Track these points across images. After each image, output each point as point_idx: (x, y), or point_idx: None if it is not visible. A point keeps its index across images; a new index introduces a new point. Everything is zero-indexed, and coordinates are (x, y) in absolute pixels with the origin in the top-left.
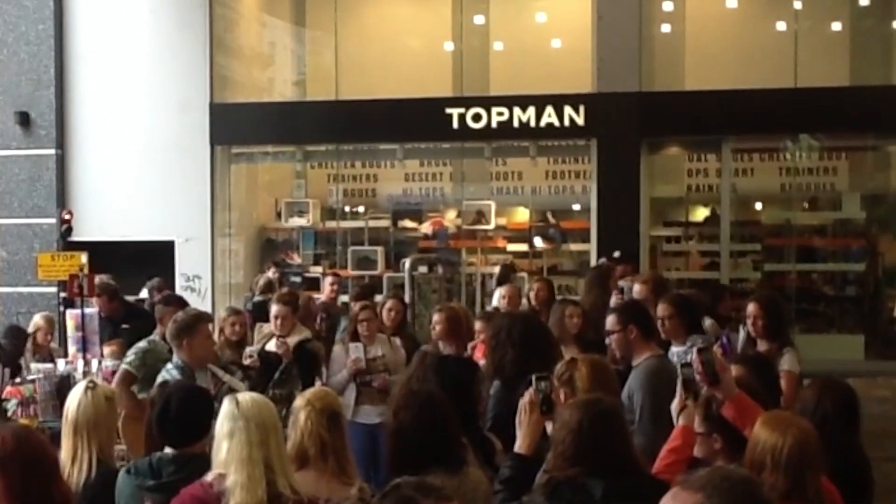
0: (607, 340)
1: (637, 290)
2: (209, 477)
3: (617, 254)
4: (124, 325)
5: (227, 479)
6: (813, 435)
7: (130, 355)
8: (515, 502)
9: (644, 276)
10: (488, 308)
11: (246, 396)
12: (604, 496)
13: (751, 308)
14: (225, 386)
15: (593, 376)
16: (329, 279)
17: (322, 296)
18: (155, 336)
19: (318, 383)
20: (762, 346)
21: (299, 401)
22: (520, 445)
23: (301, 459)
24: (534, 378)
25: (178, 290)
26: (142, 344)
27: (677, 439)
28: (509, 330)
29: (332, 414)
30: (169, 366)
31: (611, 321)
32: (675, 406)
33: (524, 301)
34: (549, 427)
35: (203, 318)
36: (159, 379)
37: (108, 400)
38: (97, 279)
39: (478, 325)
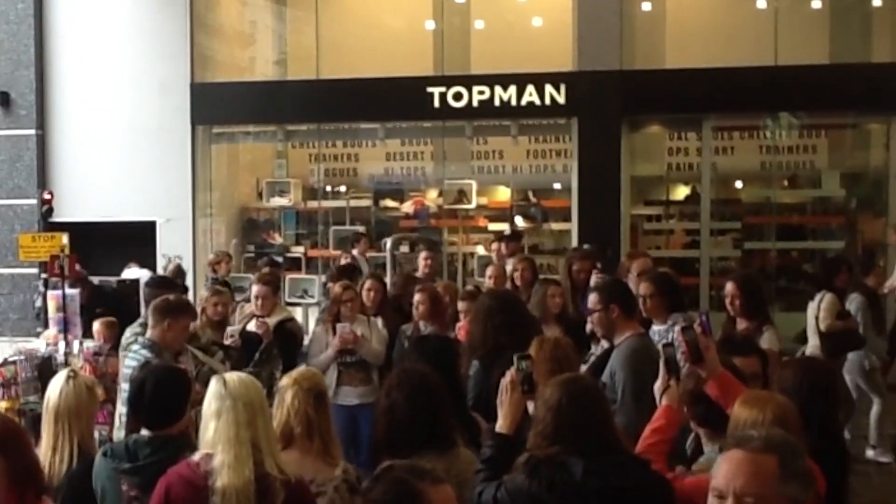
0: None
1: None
2: (196, 457)
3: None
4: (97, 309)
5: (214, 458)
6: (792, 410)
7: (143, 350)
8: (496, 481)
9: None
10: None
11: (233, 376)
12: (584, 474)
13: (728, 287)
14: (206, 367)
15: (552, 356)
16: (423, 254)
17: (419, 273)
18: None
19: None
20: (741, 324)
21: (285, 380)
22: (501, 425)
23: (286, 438)
24: (515, 357)
25: (160, 271)
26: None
27: (660, 419)
28: (489, 310)
29: (318, 393)
30: (137, 346)
31: (592, 300)
32: (657, 386)
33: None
34: (531, 406)
35: (190, 311)
36: (131, 360)
37: (90, 389)
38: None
39: (461, 304)
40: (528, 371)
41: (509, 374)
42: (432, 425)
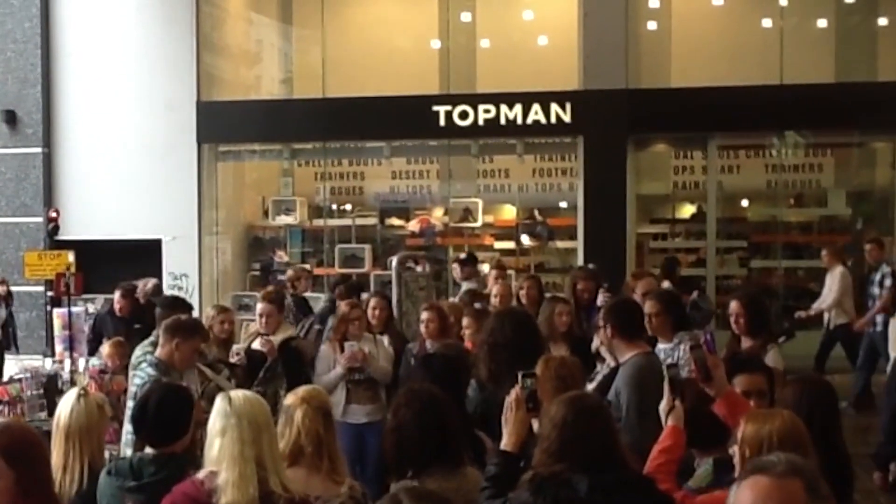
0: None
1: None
2: (201, 474)
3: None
4: (137, 325)
5: (218, 476)
6: (799, 425)
7: (149, 369)
8: (501, 499)
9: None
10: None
11: (239, 394)
12: (588, 491)
13: (733, 306)
14: (212, 384)
15: (558, 376)
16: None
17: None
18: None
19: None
20: (745, 343)
21: (292, 399)
22: (506, 443)
23: (294, 457)
24: (520, 375)
25: (166, 289)
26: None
27: (668, 440)
28: (501, 327)
29: (326, 412)
30: (144, 365)
31: (599, 317)
32: (663, 407)
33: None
34: (536, 424)
35: (201, 332)
36: (137, 379)
37: (100, 407)
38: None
39: (466, 321)
40: (533, 389)
41: (514, 393)
42: (441, 444)
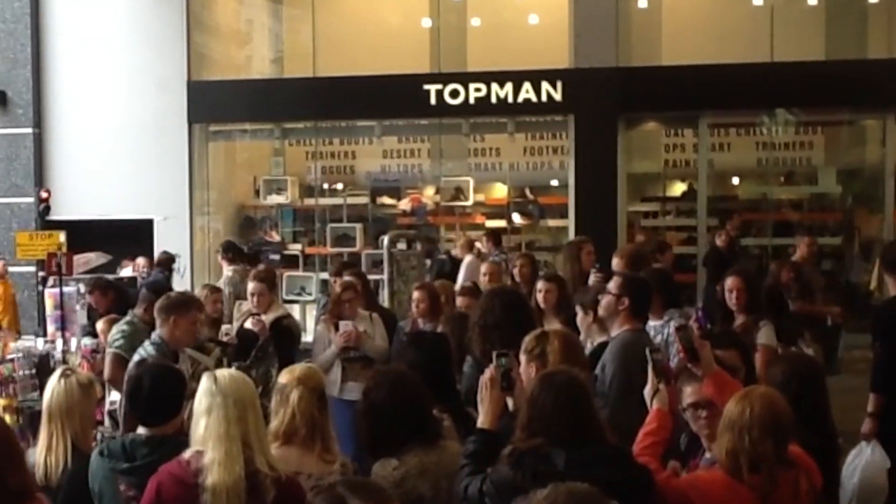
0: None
1: (614, 263)
2: (187, 454)
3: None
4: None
5: (204, 456)
6: (779, 402)
7: (118, 338)
8: (481, 475)
9: (621, 250)
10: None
11: (224, 373)
12: (566, 465)
13: (732, 281)
14: (202, 366)
15: (565, 350)
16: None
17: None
18: (133, 317)
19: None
20: (739, 319)
21: (288, 378)
22: (482, 421)
23: (288, 436)
24: (494, 354)
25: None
26: (123, 327)
27: (653, 422)
28: (494, 304)
29: (321, 393)
30: (146, 343)
31: (613, 284)
32: (647, 391)
33: (506, 278)
34: (511, 402)
35: (195, 304)
36: (136, 356)
37: (83, 386)
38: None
39: (460, 300)
40: (508, 368)
41: (489, 372)
42: (415, 421)
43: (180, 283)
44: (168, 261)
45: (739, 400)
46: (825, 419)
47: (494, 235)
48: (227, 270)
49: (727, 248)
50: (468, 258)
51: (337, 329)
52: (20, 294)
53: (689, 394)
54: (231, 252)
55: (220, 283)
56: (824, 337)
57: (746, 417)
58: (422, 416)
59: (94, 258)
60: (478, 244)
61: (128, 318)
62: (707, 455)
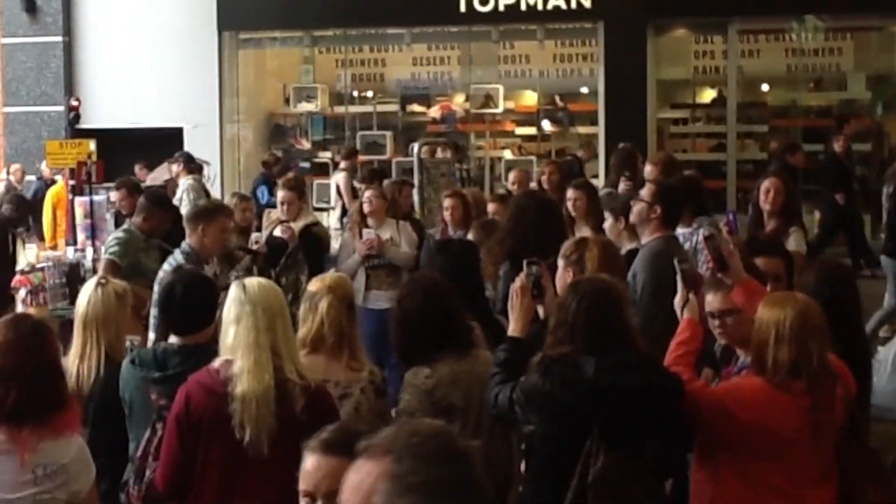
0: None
1: (647, 171)
2: (216, 363)
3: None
4: None
5: (233, 364)
6: (815, 308)
7: (113, 245)
8: (511, 383)
9: (654, 157)
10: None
11: (253, 281)
12: (595, 372)
13: (770, 183)
14: (231, 273)
15: (603, 256)
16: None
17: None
18: (131, 225)
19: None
20: (771, 224)
21: (317, 285)
22: (513, 329)
23: (315, 344)
24: (524, 263)
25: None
26: (120, 234)
27: (684, 332)
28: (526, 210)
29: (350, 302)
30: (176, 251)
31: (646, 191)
32: (677, 301)
33: (534, 185)
34: (541, 310)
35: (224, 211)
36: (166, 265)
37: (119, 296)
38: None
39: (491, 206)
40: (538, 276)
41: (519, 280)
42: (447, 329)
43: (210, 192)
44: (198, 168)
45: (778, 306)
46: (858, 325)
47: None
48: (188, 179)
49: (845, 154)
50: None
51: (362, 236)
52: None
53: (708, 302)
54: (188, 162)
55: (179, 193)
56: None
57: (786, 324)
58: (455, 324)
59: (162, 172)
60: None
61: (126, 225)
62: (740, 361)
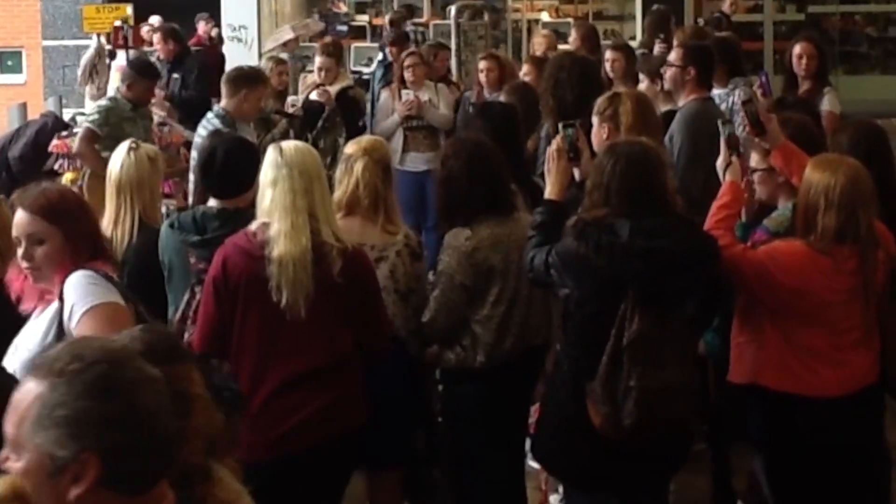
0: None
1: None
2: (253, 226)
3: None
4: (175, 75)
5: (270, 227)
6: (864, 173)
7: (94, 113)
8: (547, 246)
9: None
10: None
11: (290, 144)
12: (630, 235)
13: (802, 47)
14: (268, 137)
15: (638, 110)
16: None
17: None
18: (117, 93)
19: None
20: (804, 86)
21: (353, 148)
22: (549, 192)
23: (350, 207)
24: (560, 125)
25: (225, 41)
26: (104, 102)
27: (726, 195)
28: (566, 70)
29: (386, 165)
30: (210, 114)
31: (675, 55)
32: (720, 164)
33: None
34: (577, 173)
35: (265, 80)
36: (201, 129)
37: (152, 160)
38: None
39: (525, 67)
40: (574, 138)
41: (555, 142)
42: (490, 192)
43: (248, 56)
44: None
45: (830, 170)
46: (894, 184)
47: None
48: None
49: None
50: None
51: (401, 97)
52: None
53: (755, 161)
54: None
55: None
56: None
57: (836, 189)
58: (498, 186)
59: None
60: None
61: (111, 93)
62: (763, 223)
